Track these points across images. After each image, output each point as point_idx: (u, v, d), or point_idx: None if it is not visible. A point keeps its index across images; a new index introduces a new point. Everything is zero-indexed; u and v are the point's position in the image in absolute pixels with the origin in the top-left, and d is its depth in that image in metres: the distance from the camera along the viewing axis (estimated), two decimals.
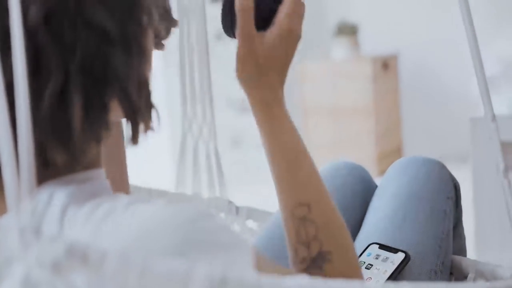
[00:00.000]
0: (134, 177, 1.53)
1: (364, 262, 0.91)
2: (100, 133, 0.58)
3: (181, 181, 1.32)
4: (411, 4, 3.79)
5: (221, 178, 1.31)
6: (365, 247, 0.93)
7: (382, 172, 3.48)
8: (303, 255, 0.72)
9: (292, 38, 0.74)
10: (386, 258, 0.89)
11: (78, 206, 0.55)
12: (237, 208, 1.27)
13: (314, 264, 0.72)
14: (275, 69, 0.75)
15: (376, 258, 0.90)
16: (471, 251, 1.95)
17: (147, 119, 0.61)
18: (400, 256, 0.89)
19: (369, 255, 0.91)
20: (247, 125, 3.80)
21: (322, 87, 3.67)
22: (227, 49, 3.70)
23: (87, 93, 0.55)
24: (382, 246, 0.91)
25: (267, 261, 0.62)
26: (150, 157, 3.11)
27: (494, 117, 0.76)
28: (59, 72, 0.54)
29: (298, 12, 0.74)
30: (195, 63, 1.28)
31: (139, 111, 0.59)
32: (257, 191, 3.25)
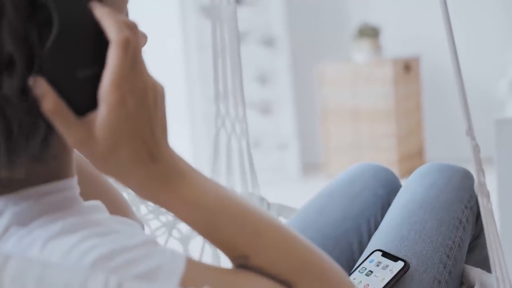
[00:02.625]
0: None
1: (365, 268, 0.92)
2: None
3: (216, 177, 1.34)
4: (433, 6, 3.75)
5: (254, 174, 1.33)
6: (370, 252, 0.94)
7: (403, 175, 3.45)
8: None
9: (140, 102, 0.53)
10: (386, 266, 0.90)
11: (19, 227, 0.56)
12: (269, 205, 1.30)
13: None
14: (138, 152, 0.53)
15: (377, 265, 0.91)
16: None
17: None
18: (399, 264, 0.90)
19: (371, 261, 0.93)
20: (268, 126, 3.80)
21: (343, 89, 3.66)
22: (246, 51, 3.72)
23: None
24: (385, 254, 0.92)
25: (207, 269, 0.57)
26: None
27: (470, 131, 0.68)
28: None
29: (134, 64, 0.52)
30: (227, 62, 1.30)
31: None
32: (277, 190, 3.25)
